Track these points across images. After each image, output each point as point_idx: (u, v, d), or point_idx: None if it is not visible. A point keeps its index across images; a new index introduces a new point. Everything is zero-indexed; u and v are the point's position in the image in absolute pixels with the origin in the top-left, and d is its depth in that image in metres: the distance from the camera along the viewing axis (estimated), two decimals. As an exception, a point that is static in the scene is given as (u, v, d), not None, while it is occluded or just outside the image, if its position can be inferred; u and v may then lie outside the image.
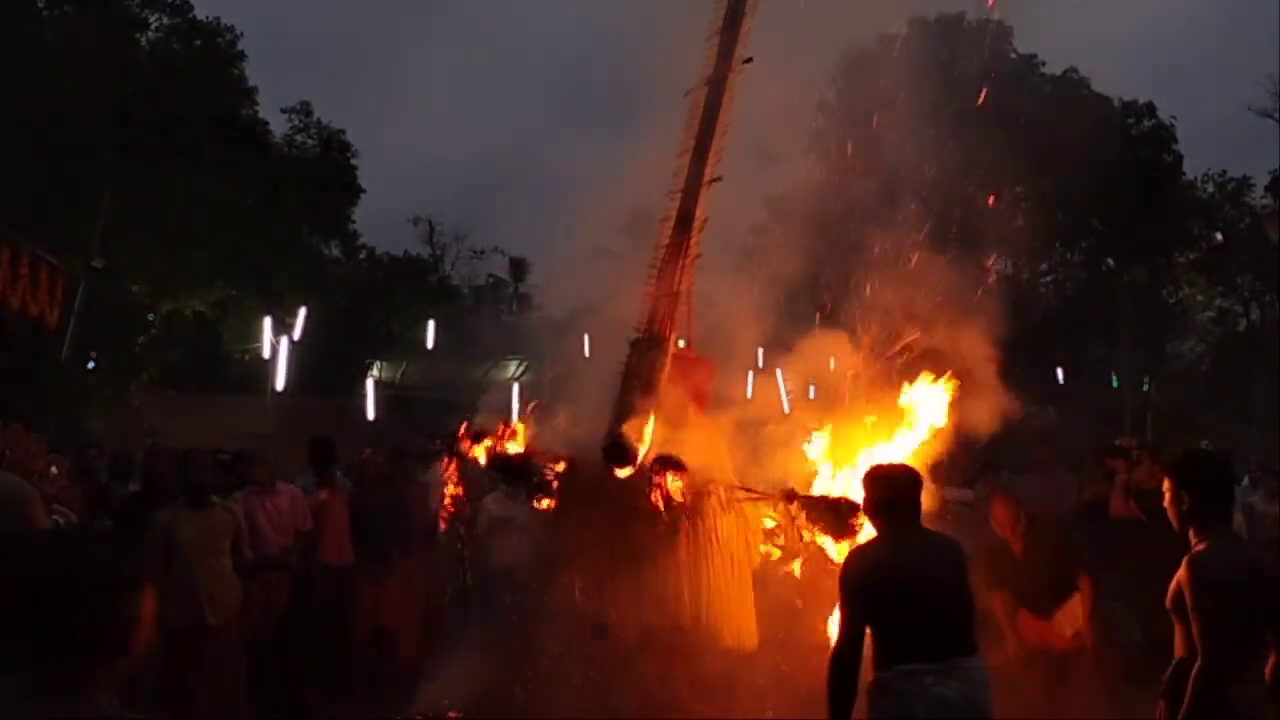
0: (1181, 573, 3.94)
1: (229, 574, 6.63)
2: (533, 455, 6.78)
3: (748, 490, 6.28)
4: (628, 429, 6.38)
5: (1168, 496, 4.18)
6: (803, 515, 5.93)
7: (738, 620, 6.17)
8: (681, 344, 7.25)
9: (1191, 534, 4.09)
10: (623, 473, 6.31)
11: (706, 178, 6.68)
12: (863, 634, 4.18)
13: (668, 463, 6.19)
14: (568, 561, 6.42)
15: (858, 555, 4.42)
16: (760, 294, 7.58)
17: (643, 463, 6.38)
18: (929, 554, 4.31)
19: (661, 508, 6.09)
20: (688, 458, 6.30)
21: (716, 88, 6.69)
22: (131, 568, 2.11)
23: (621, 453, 6.28)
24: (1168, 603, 4.07)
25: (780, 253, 7.64)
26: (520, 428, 6.92)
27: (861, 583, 4.23)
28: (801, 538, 6.02)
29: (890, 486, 4.48)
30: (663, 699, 6.18)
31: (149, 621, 2.08)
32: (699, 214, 6.71)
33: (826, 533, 5.78)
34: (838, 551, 5.77)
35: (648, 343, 6.70)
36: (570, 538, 6.43)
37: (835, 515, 5.74)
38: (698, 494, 6.20)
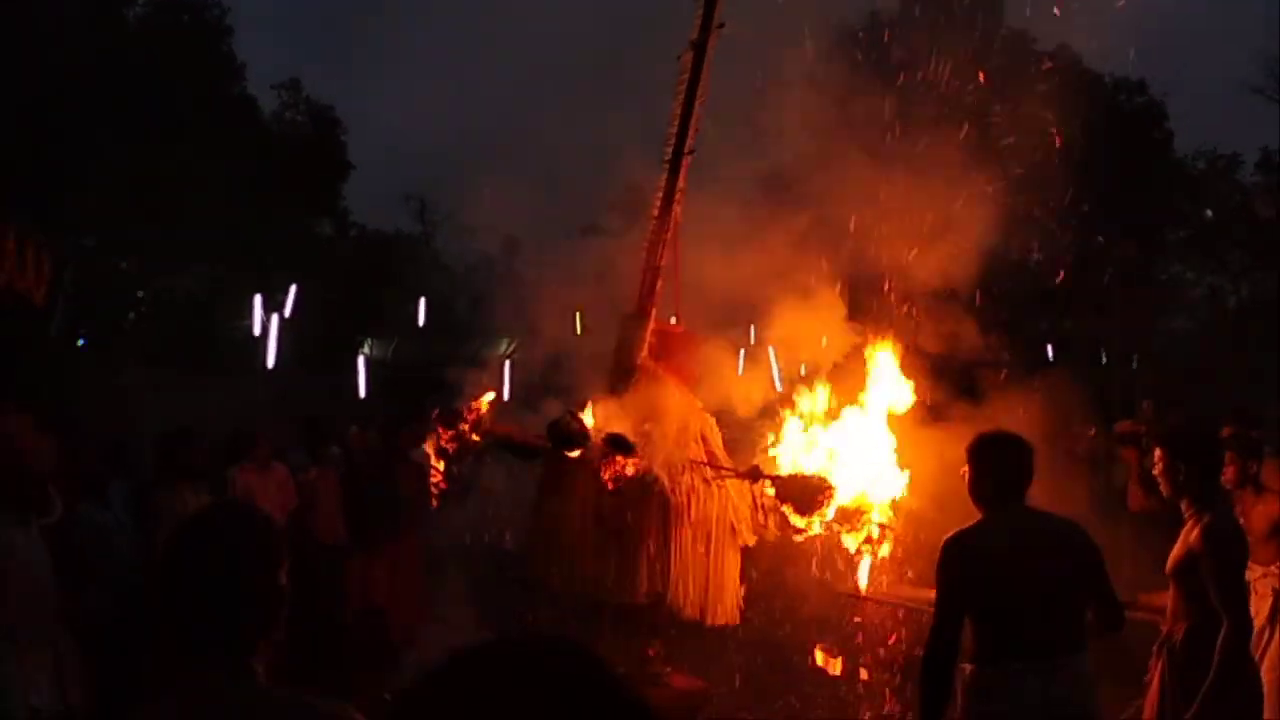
0: (1195, 541, 3.98)
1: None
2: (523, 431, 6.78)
3: (713, 467, 6.24)
4: (578, 411, 6.35)
5: (1160, 467, 4.19)
6: (770, 492, 5.89)
7: (710, 595, 6.12)
8: (673, 320, 7.24)
9: (1186, 504, 4.12)
10: (571, 454, 6.28)
11: (686, 148, 6.64)
12: (960, 629, 3.83)
13: (615, 442, 6.15)
14: (547, 536, 6.46)
15: (959, 542, 3.91)
16: (752, 270, 7.57)
17: (595, 442, 6.34)
18: (1041, 540, 3.88)
19: (611, 486, 6.07)
20: (665, 433, 6.28)
21: (699, 53, 6.62)
22: (279, 541, 2.12)
23: (562, 435, 6.23)
24: (1169, 568, 4.13)
25: (772, 228, 7.63)
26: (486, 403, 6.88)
27: (962, 573, 3.84)
28: (768, 515, 6.00)
29: (999, 460, 3.98)
30: (632, 670, 6.19)
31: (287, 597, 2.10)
32: (678, 185, 6.66)
33: (795, 510, 5.72)
34: (806, 525, 5.73)
35: (632, 319, 6.70)
36: (549, 513, 6.46)
37: (803, 492, 5.67)
38: (668, 470, 6.17)
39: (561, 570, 6.30)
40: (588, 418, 6.61)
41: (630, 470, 6.08)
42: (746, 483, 6.18)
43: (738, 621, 6.23)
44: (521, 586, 6.71)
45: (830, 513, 5.72)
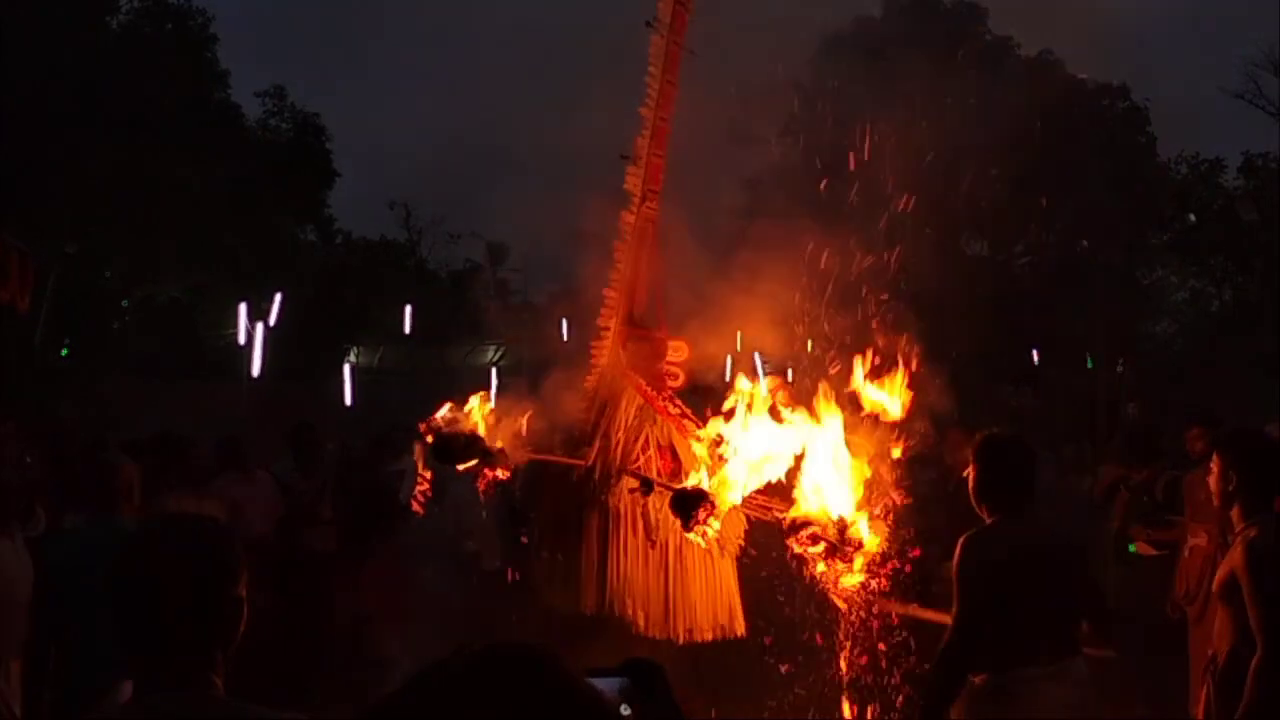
0: (1236, 557, 3.75)
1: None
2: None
3: (633, 474, 5.97)
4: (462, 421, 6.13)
5: (1215, 473, 3.95)
6: (665, 504, 5.59)
7: (680, 610, 5.92)
8: (658, 328, 7.19)
9: (1235, 514, 3.90)
10: (462, 466, 6.11)
11: (638, 151, 6.43)
12: (980, 632, 3.74)
13: (483, 454, 5.99)
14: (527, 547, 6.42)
15: (977, 543, 3.81)
16: (739, 277, 7.55)
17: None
18: (1052, 547, 3.86)
19: (484, 496, 5.96)
20: (612, 439, 6.10)
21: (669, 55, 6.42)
22: (236, 553, 2.08)
23: (444, 448, 6.05)
24: (1214, 587, 3.92)
25: (759, 234, 7.63)
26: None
27: (985, 574, 3.75)
28: (653, 529, 5.81)
29: (1008, 463, 3.91)
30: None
31: (245, 608, 2.06)
32: (649, 188, 6.44)
33: (682, 523, 5.41)
34: (696, 539, 5.36)
35: (602, 328, 6.55)
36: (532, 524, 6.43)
37: (681, 504, 5.28)
38: (606, 477, 6.01)
39: (547, 583, 6.24)
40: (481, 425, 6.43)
41: (502, 475, 5.97)
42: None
43: (735, 636, 6.02)
44: (508, 598, 6.67)
45: (708, 526, 5.30)
